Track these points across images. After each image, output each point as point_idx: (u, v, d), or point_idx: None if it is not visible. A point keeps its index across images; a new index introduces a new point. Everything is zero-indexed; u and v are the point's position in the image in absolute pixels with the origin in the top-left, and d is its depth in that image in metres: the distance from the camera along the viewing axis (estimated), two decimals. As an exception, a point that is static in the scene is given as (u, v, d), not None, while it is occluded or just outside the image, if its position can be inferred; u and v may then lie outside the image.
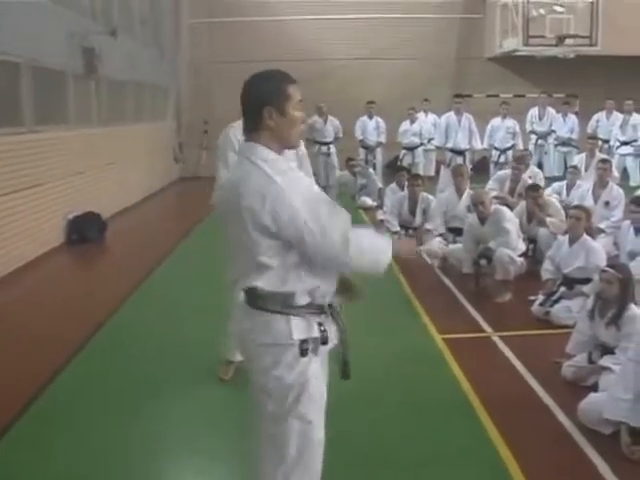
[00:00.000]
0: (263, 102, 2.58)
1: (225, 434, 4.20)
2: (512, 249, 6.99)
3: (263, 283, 2.55)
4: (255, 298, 2.59)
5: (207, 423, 4.37)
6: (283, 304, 2.57)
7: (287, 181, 2.51)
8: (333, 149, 14.04)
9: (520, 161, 9.78)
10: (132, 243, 10.45)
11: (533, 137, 15.21)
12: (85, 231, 10.09)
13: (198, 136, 17.58)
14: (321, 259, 2.54)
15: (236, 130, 4.66)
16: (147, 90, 15.71)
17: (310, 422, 2.64)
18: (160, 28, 16.84)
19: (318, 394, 2.67)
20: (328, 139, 14.03)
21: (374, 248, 2.63)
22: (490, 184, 9.80)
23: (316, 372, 2.65)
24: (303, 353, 2.58)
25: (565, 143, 14.96)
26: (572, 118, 15.07)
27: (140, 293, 7.35)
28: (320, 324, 2.62)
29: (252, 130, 2.63)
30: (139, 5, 15.03)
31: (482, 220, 7.22)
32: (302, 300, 2.59)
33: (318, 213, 2.49)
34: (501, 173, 10.19)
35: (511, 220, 7.19)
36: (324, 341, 2.63)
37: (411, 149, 14.70)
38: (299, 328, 2.58)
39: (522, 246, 7.31)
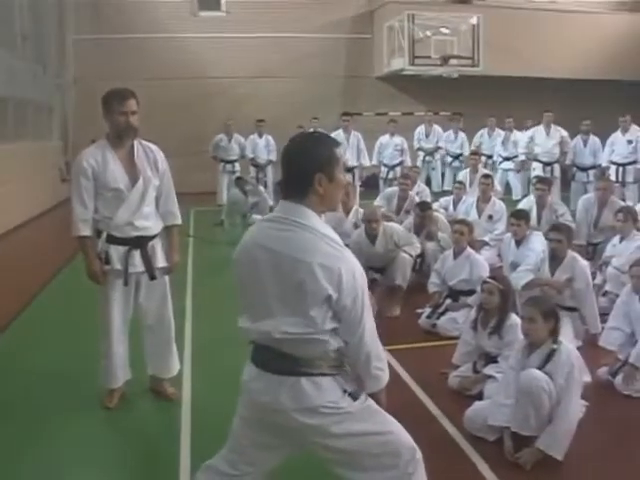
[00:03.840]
0: (315, 169, 2.51)
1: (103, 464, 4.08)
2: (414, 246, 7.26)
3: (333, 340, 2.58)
4: (296, 361, 2.57)
5: (87, 453, 4.20)
6: (336, 361, 2.63)
7: (348, 254, 2.56)
8: (238, 167, 14.27)
9: (407, 177, 9.95)
10: (9, 270, 9.30)
11: (421, 154, 15.63)
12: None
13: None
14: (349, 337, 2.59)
15: (88, 156, 4.43)
16: (30, 107, 15.10)
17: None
18: (43, 43, 16.25)
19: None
20: (233, 157, 14.21)
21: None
22: (377, 201, 9.95)
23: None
24: (354, 397, 2.65)
25: (456, 158, 15.48)
26: (462, 135, 15.62)
27: (19, 323, 6.93)
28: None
29: (298, 194, 2.54)
30: (20, 20, 14.46)
31: (372, 238, 7.12)
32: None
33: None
34: (389, 190, 10.35)
35: (402, 230, 7.41)
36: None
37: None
38: (347, 382, 2.66)
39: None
